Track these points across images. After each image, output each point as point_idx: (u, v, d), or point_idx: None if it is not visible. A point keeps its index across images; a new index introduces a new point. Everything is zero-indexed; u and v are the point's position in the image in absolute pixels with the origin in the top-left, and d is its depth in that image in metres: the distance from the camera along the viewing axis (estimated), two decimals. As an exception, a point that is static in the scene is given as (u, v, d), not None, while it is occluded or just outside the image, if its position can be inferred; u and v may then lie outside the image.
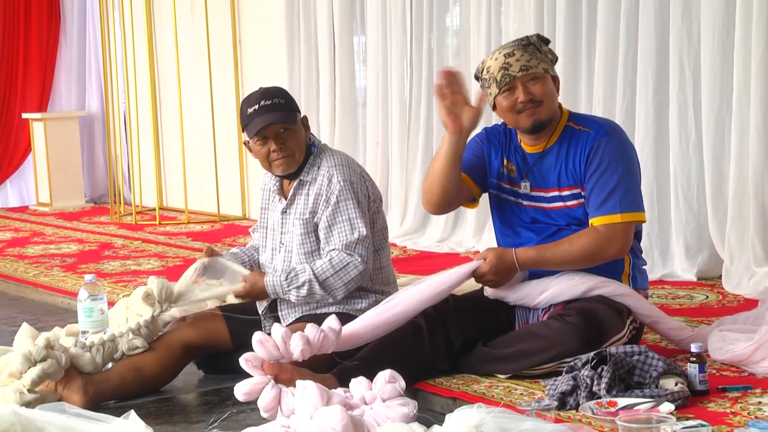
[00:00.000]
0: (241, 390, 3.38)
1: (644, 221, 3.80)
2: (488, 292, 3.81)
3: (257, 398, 3.35)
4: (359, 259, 3.86)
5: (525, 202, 3.82)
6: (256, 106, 3.90)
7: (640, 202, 3.73)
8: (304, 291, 3.87)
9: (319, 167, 3.98)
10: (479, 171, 3.89)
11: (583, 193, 3.71)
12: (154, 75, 9.23)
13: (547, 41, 3.81)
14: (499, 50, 3.76)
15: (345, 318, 3.71)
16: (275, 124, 3.89)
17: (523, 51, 3.70)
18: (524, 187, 3.81)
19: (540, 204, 3.79)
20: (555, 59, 3.81)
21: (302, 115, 4.02)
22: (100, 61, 10.12)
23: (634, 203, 3.68)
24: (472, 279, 3.77)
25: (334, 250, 3.89)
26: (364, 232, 3.89)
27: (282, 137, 3.91)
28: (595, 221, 3.67)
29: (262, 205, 4.17)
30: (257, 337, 3.42)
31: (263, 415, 3.35)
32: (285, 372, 3.39)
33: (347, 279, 3.86)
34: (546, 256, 3.68)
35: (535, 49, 3.73)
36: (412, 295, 3.70)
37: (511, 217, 3.87)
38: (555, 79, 3.77)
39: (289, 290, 3.89)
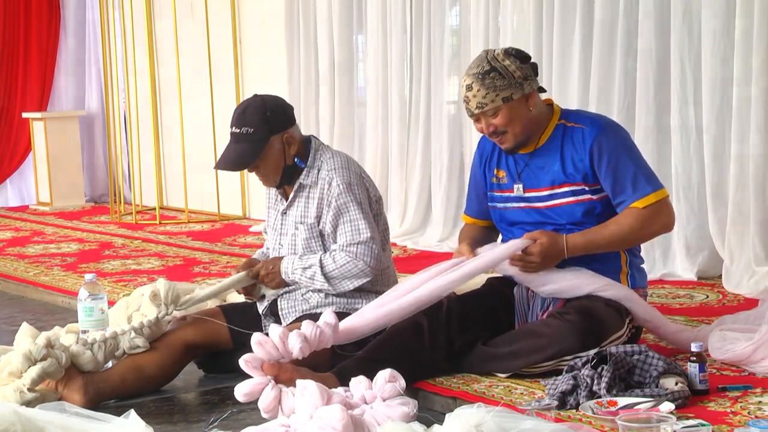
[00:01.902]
0: (241, 391, 3.38)
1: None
2: (499, 268, 3.77)
3: (258, 399, 3.35)
4: (362, 262, 3.87)
5: (518, 204, 3.82)
6: (230, 129, 3.91)
7: (658, 179, 3.76)
8: (308, 273, 3.90)
9: (319, 170, 3.96)
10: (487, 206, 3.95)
11: (587, 188, 3.70)
12: (154, 74, 9.23)
13: (518, 54, 3.68)
14: (464, 76, 3.70)
15: (344, 318, 3.70)
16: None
17: (480, 84, 3.63)
18: (517, 189, 3.81)
19: (534, 204, 3.78)
20: (525, 75, 3.66)
21: (284, 134, 3.90)
22: (100, 60, 10.12)
23: (657, 180, 3.72)
24: (476, 278, 3.78)
25: (339, 246, 3.90)
26: (368, 234, 3.89)
27: (253, 165, 3.93)
28: (634, 206, 3.66)
29: (268, 204, 4.17)
30: (256, 338, 3.42)
31: (264, 415, 3.35)
32: (285, 372, 3.39)
33: (349, 275, 3.87)
34: (595, 240, 3.67)
35: (496, 75, 3.62)
36: (469, 267, 3.69)
37: (505, 222, 3.88)
38: (528, 96, 3.67)
39: (297, 269, 3.91)
